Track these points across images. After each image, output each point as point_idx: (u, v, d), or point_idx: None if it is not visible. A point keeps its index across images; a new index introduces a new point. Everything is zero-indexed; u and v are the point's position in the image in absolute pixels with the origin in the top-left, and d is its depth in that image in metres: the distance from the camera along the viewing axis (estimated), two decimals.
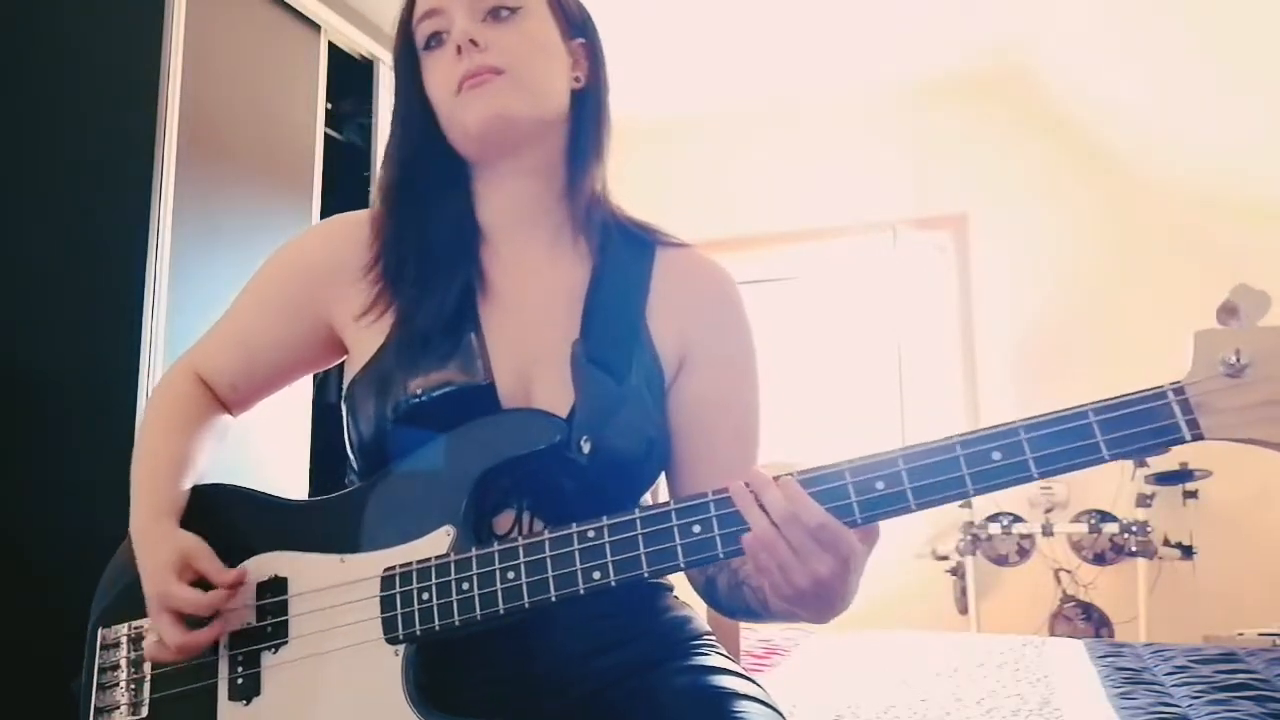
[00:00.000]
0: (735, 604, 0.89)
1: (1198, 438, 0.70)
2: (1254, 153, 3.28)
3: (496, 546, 0.81)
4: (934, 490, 0.73)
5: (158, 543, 0.87)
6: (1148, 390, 0.71)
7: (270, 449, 2.32)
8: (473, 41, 0.90)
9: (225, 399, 1.03)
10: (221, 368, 1.02)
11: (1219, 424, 0.69)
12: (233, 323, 1.04)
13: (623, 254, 0.98)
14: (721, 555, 0.76)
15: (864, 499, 0.73)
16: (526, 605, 0.79)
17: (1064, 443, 0.71)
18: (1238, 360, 0.70)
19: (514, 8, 0.93)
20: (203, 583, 0.85)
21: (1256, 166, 3.31)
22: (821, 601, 0.74)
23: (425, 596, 0.81)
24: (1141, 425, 0.70)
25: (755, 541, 0.72)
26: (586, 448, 0.85)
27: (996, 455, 0.72)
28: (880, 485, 0.73)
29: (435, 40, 0.94)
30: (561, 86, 0.95)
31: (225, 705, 0.86)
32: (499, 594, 0.79)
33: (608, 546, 0.78)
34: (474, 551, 0.81)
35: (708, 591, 0.92)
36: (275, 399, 1.08)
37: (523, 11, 0.94)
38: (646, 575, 0.77)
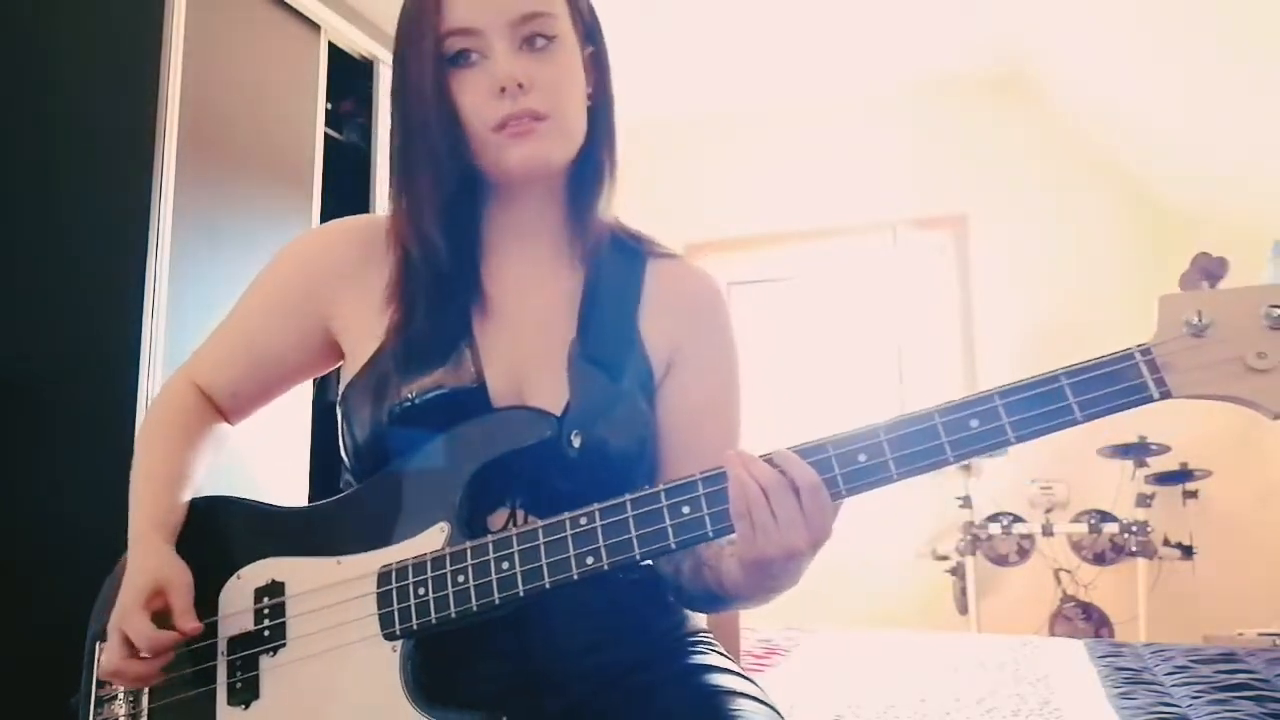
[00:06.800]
0: (695, 588, 0.90)
1: (1165, 395, 0.72)
2: (1252, 153, 3.28)
3: (490, 537, 0.81)
4: (915, 459, 0.75)
5: (141, 562, 0.87)
6: (1116, 353, 0.73)
7: (271, 448, 2.32)
8: (519, 85, 0.88)
9: (224, 407, 1.03)
10: (220, 374, 1.02)
11: (1185, 381, 0.72)
12: (232, 327, 1.04)
13: (615, 263, 0.98)
14: (711, 534, 0.77)
15: (847, 470, 0.76)
16: (521, 594, 0.79)
17: (1039, 407, 0.74)
18: (1200, 321, 0.72)
19: (550, 36, 0.90)
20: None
21: (1255, 167, 3.31)
22: (783, 576, 0.78)
23: (421, 591, 0.81)
24: (1112, 386, 0.73)
25: (739, 501, 0.75)
26: (577, 442, 0.85)
27: (974, 423, 0.75)
28: (863, 457, 0.75)
29: (464, 58, 0.90)
30: (584, 115, 0.94)
31: (224, 710, 0.86)
32: (494, 584, 0.80)
33: (600, 531, 0.79)
34: (468, 544, 0.82)
35: (673, 581, 0.93)
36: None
37: (558, 40, 0.91)
38: (639, 558, 0.78)
